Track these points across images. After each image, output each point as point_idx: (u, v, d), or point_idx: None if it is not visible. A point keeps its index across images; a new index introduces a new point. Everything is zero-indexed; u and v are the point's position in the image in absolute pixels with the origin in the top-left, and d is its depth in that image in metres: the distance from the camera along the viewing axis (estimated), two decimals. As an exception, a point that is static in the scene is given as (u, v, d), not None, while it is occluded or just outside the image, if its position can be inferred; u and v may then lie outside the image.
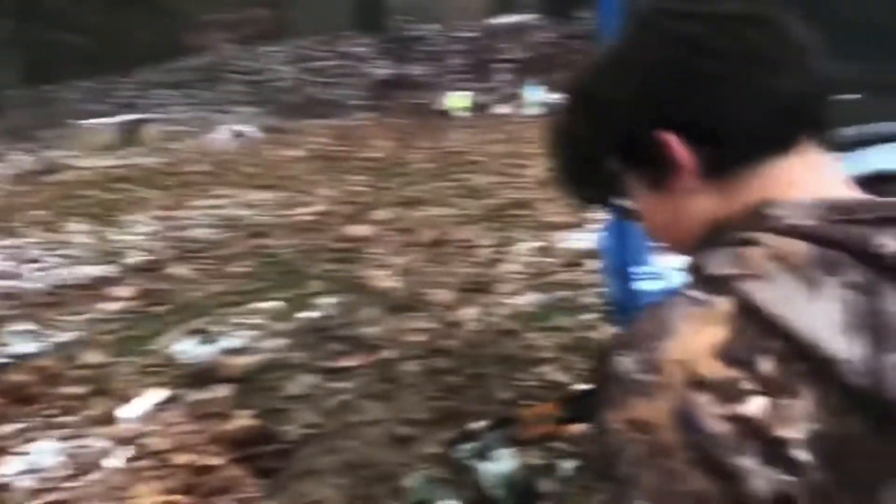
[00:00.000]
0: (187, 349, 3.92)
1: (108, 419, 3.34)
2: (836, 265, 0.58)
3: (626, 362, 0.59)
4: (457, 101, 12.49)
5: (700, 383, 0.56)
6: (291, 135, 10.83)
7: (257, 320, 4.23)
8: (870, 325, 0.56)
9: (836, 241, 0.59)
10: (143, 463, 3.00)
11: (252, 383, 3.55)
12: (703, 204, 0.69)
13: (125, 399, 3.47)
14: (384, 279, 4.67)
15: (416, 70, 15.97)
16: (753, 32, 0.67)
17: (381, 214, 6.05)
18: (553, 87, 12.55)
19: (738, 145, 0.67)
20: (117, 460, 3.04)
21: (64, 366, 3.84)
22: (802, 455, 0.53)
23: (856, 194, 0.68)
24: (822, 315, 0.56)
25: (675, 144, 0.67)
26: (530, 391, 3.35)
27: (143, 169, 8.79)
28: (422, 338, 3.88)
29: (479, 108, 12.41)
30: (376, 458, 2.96)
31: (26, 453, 3.12)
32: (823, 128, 0.69)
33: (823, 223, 0.61)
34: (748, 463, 0.54)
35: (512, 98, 12.96)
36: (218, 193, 7.26)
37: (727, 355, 0.56)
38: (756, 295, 0.58)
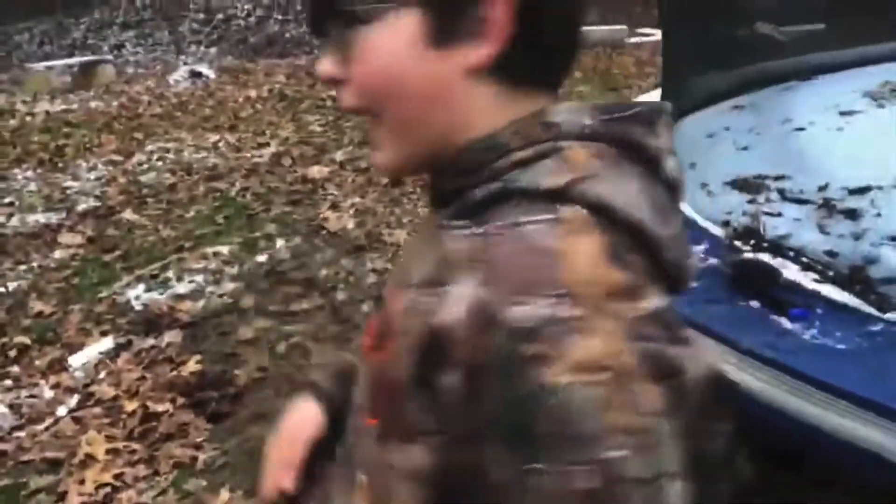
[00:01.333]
0: (138, 295, 3.85)
1: (58, 368, 3.28)
2: (623, 159, 0.59)
3: (528, 310, 0.50)
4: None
5: (615, 293, 0.52)
6: (251, 75, 10.57)
7: (210, 265, 4.16)
8: (658, 207, 0.58)
9: (615, 137, 0.59)
10: (94, 411, 2.96)
11: (203, 328, 3.50)
12: (478, 101, 0.60)
13: (75, 347, 3.41)
14: (340, 220, 4.60)
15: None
16: None
17: (338, 155, 5.94)
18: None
19: (551, 50, 0.61)
20: (66, 409, 3.00)
21: (12, 316, 3.76)
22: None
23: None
24: (643, 202, 0.57)
25: (506, 6, 0.57)
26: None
27: (96, 112, 8.54)
28: (377, 278, 3.84)
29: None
30: (328, 399, 2.95)
31: (-28, 405, 3.06)
32: None
33: (600, 122, 0.59)
34: (680, 352, 0.53)
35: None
36: (173, 137, 7.08)
37: (613, 258, 0.53)
38: (599, 193, 0.56)
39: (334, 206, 4.88)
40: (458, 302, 0.53)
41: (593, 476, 0.48)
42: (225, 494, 2.46)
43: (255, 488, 0.92)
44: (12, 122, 8.59)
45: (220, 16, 16.03)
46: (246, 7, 16.42)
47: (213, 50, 14.37)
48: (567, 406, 0.48)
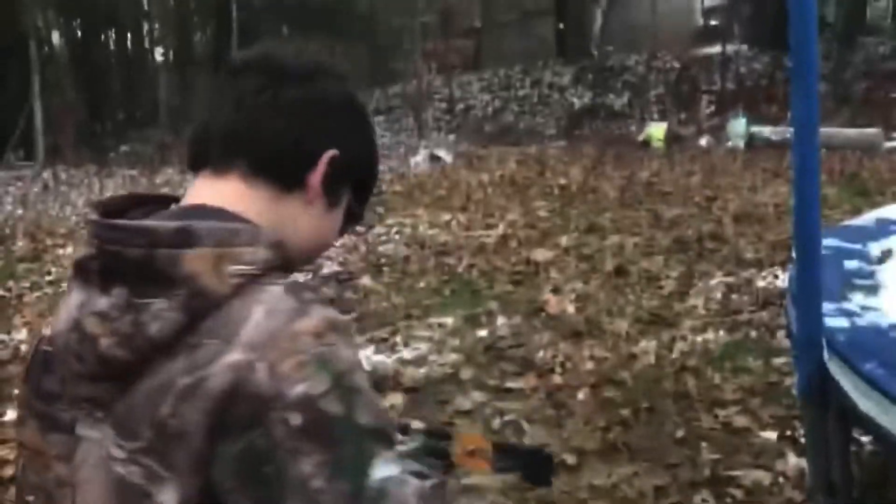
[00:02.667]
0: (368, 356, 4.09)
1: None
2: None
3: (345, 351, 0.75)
4: (654, 131, 12.20)
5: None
6: (484, 160, 11.06)
7: (435, 335, 4.34)
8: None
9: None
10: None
11: (424, 394, 3.64)
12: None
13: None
14: (561, 304, 4.63)
15: (614, 99, 15.78)
16: None
17: (563, 240, 6.01)
18: (757, 120, 11.93)
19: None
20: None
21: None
22: None
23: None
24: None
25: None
26: (708, 434, 3.17)
27: (344, 187, 9.32)
28: (595, 366, 3.79)
29: (677, 139, 12.05)
30: (538, 481, 2.92)
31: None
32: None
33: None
34: None
35: (713, 130, 12.47)
36: (410, 213, 7.55)
37: None
38: None
39: (556, 290, 4.92)
40: None
41: None
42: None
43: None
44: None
45: (460, 106, 17.05)
46: (485, 98, 17.34)
47: (451, 136, 15.27)
48: None
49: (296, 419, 0.70)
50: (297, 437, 0.70)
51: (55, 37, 18.10)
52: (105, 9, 18.78)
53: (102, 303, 0.77)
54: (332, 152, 0.85)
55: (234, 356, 0.72)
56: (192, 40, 26.54)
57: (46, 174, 12.28)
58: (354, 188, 0.91)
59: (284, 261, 0.82)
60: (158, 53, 27.25)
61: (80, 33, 17.41)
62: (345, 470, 0.71)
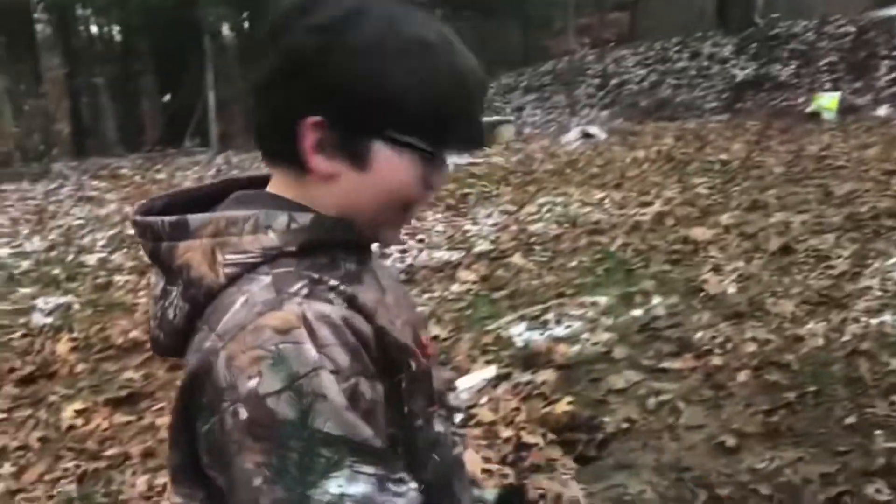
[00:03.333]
0: (520, 332, 4.14)
1: (448, 387, 3.66)
2: None
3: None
4: (825, 101, 11.40)
5: None
6: (639, 136, 10.77)
7: (587, 313, 4.31)
8: None
9: None
10: (473, 431, 3.24)
11: (576, 372, 3.64)
12: None
13: (462, 371, 3.77)
14: (721, 284, 4.46)
15: (780, 70, 14.86)
16: None
17: (724, 218, 5.78)
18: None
19: None
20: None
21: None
22: None
23: None
24: None
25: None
26: (883, 422, 2.98)
27: (496, 166, 9.40)
28: (757, 348, 3.64)
29: (851, 109, 11.20)
30: (696, 463, 2.87)
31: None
32: None
33: None
34: None
35: (893, 99, 11.50)
36: (562, 191, 7.50)
37: None
38: None
39: (716, 269, 4.74)
40: None
41: None
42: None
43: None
44: (427, 172, 9.81)
45: (614, 81, 16.64)
46: (640, 73, 16.82)
47: (604, 113, 14.95)
48: None
49: (243, 414, 0.68)
50: (243, 432, 0.68)
51: (225, 29, 19.28)
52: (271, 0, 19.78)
53: (156, 290, 0.82)
54: (312, 119, 0.77)
55: (208, 343, 0.73)
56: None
57: (219, 159, 13.17)
58: (408, 132, 0.78)
59: (324, 239, 0.79)
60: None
61: (247, 25, 18.45)
62: (285, 476, 0.68)
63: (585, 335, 4.03)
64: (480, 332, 4.22)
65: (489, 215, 6.96)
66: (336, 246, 0.81)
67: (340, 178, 0.80)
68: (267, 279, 0.75)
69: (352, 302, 0.78)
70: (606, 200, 6.91)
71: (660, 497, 2.72)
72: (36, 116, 14.12)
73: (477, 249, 5.86)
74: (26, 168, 13.10)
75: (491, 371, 3.71)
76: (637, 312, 4.24)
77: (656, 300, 4.37)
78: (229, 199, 0.84)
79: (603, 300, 4.47)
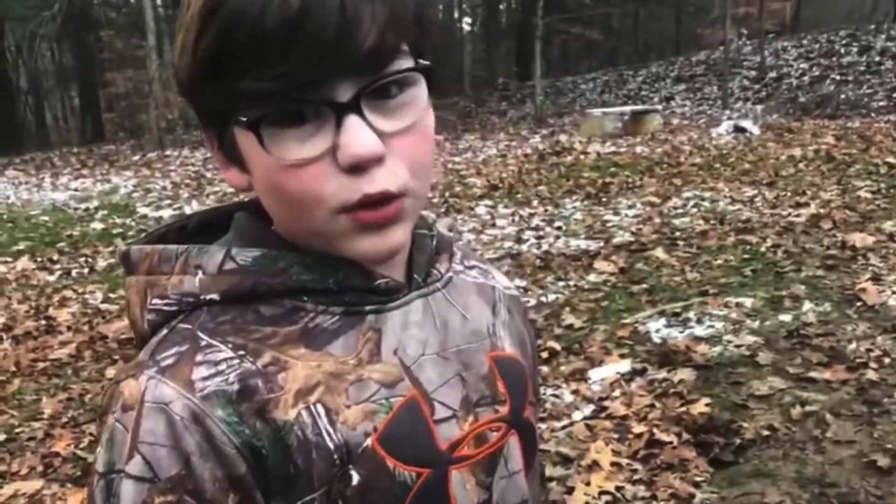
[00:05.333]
0: (658, 328, 4.03)
1: (579, 377, 3.63)
2: None
3: None
4: None
5: None
6: (796, 134, 10.20)
7: (731, 314, 4.15)
8: None
9: None
10: (604, 423, 3.20)
11: (716, 373, 3.51)
12: None
13: (595, 362, 3.72)
14: (881, 294, 4.17)
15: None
16: None
17: (888, 225, 5.39)
18: None
19: None
20: (581, 415, 3.29)
21: (548, 323, 4.27)
22: None
23: None
24: None
25: None
26: None
27: (640, 157, 9.16)
28: (921, 366, 3.39)
29: None
30: (842, 480, 2.71)
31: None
32: None
33: None
34: None
35: None
36: (709, 186, 7.23)
37: None
38: None
39: (876, 278, 4.44)
40: None
41: None
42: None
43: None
44: (568, 159, 9.72)
45: (772, 74, 15.80)
46: (801, 66, 15.89)
47: (759, 107, 14.24)
48: None
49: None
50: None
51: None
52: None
53: None
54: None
55: None
56: (497, 11, 27.49)
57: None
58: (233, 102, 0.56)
59: (265, 284, 0.60)
60: (465, 23, 28.58)
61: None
62: None
63: (728, 336, 3.88)
64: (616, 325, 4.14)
65: (631, 206, 6.81)
66: (299, 290, 0.61)
67: (253, 190, 0.61)
68: (154, 339, 0.60)
69: (245, 382, 0.58)
70: (757, 198, 6.60)
71: (800, 511, 2.59)
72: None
73: (616, 240, 5.75)
74: (188, 135, 13.98)
75: (625, 365, 3.64)
76: (785, 317, 4.04)
77: (807, 306, 4.14)
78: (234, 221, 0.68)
79: (749, 302, 4.28)
